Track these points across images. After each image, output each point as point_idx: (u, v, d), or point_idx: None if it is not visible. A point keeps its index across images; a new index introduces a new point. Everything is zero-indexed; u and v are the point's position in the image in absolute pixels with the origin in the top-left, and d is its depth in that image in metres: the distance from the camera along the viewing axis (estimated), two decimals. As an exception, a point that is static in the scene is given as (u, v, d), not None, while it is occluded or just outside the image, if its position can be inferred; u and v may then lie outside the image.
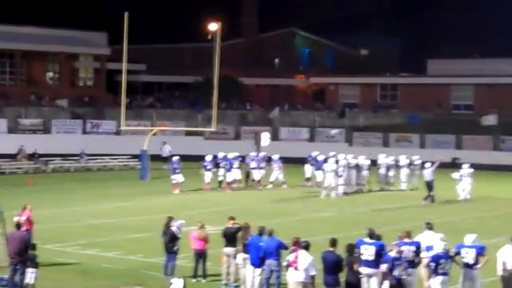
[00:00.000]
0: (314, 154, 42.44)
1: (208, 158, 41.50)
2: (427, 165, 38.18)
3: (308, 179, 42.87)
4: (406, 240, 17.92)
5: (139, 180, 46.04)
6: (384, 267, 16.90)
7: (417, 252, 17.80)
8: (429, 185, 37.15)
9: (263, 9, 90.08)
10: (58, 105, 63.79)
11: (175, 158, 41.18)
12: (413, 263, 17.76)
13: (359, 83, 79.35)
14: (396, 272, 16.86)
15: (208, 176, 41.17)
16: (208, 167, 41.29)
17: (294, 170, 43.51)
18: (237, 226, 19.91)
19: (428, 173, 37.48)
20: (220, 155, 41.96)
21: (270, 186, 42.54)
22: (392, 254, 17.07)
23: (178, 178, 40.05)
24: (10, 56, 70.00)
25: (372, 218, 31.01)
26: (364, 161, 40.97)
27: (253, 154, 43.38)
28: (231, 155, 41.75)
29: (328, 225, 29.51)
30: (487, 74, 72.75)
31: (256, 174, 42.31)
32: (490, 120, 57.04)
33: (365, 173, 40.87)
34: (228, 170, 41.24)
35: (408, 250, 17.65)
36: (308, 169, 42.66)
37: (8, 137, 56.94)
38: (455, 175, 38.43)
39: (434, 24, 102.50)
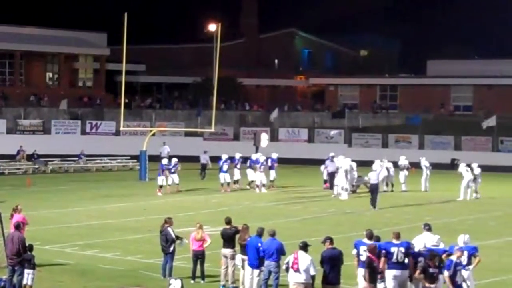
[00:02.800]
0: (331, 155, 42.00)
1: (237, 156, 41.41)
2: (375, 167, 36.32)
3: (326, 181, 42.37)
4: (395, 241, 17.55)
5: (138, 181, 46.02)
6: (446, 274, 16.44)
7: (407, 253, 17.39)
8: (375, 188, 35.05)
9: (263, 10, 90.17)
10: (59, 108, 63.78)
11: (165, 160, 41.13)
12: (404, 264, 17.40)
13: (358, 84, 79.34)
14: (457, 278, 16.45)
15: (237, 173, 41.11)
16: (238, 165, 41.24)
17: (293, 171, 43.37)
18: (235, 229, 19.88)
19: (374, 176, 35.41)
20: (224, 157, 41.55)
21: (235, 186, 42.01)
22: (454, 258, 16.62)
23: (160, 180, 39.97)
24: (9, 56, 70.00)
25: (371, 219, 30.99)
26: (352, 162, 40.66)
27: (262, 156, 42.76)
28: (230, 156, 41.61)
29: (327, 225, 29.47)
30: (486, 75, 72.76)
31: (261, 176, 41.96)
32: (489, 121, 57.00)
33: (355, 173, 40.69)
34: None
35: (397, 251, 17.40)
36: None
37: (7, 138, 56.92)
38: (461, 167, 38.28)
39: (434, 25, 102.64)
